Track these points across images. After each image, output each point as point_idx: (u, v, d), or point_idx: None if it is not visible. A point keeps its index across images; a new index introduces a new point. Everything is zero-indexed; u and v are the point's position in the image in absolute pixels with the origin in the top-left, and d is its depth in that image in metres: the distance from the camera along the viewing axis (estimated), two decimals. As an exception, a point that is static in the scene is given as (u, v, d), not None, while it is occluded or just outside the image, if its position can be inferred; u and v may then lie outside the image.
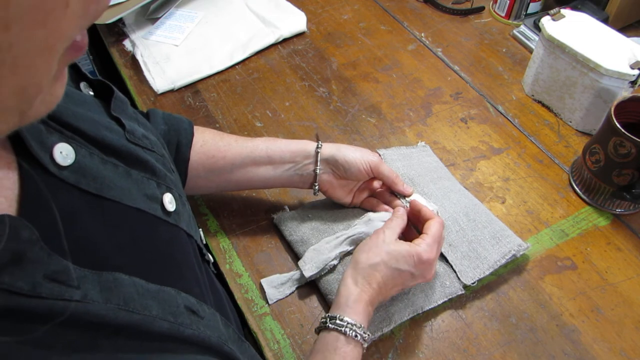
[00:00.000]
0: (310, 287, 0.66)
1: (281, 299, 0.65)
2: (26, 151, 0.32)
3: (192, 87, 0.93)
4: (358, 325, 0.52)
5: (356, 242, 0.65)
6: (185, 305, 0.38)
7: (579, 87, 0.81)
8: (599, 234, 0.71)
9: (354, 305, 0.53)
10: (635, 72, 0.74)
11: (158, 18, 1.03)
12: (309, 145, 0.67)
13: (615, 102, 0.68)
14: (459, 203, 0.71)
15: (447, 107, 0.89)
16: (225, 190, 0.75)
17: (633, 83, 0.75)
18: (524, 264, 0.68)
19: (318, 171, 0.66)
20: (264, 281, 0.66)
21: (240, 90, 0.92)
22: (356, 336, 0.52)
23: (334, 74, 0.95)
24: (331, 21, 1.07)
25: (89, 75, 0.47)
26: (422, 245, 0.57)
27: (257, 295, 0.66)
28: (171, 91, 0.92)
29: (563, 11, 0.84)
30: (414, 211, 0.63)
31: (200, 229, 0.56)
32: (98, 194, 0.37)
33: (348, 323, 0.52)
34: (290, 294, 0.66)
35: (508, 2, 1.03)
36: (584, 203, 0.75)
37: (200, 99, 0.91)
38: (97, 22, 0.97)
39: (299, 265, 0.65)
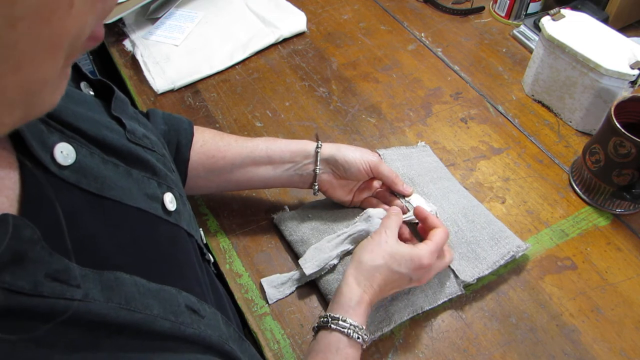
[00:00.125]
0: (310, 287, 0.66)
1: (281, 299, 0.65)
2: (27, 151, 0.32)
3: (192, 87, 0.93)
4: (360, 327, 0.52)
5: (356, 240, 0.65)
6: (186, 304, 0.38)
7: (579, 87, 0.81)
8: (599, 234, 0.71)
9: (356, 307, 0.53)
10: (635, 72, 0.74)
11: (158, 18, 1.03)
12: (309, 145, 0.67)
13: (615, 102, 0.68)
14: (458, 203, 0.71)
15: (447, 107, 0.89)
16: (225, 190, 0.75)
17: (633, 83, 0.75)
18: (524, 264, 0.68)
19: (318, 171, 0.66)
20: (264, 281, 0.66)
21: (240, 90, 0.92)
22: (358, 338, 0.52)
23: (334, 74, 0.96)
24: (331, 21, 1.07)
25: (89, 75, 0.47)
26: (424, 251, 0.57)
27: (257, 295, 0.66)
28: (171, 91, 0.92)
29: (563, 11, 0.84)
30: (420, 218, 0.63)
31: (201, 229, 0.56)
32: (99, 193, 0.37)
33: (351, 325, 0.52)
34: (290, 294, 0.66)
35: (508, 2, 1.03)
36: (584, 203, 0.75)
37: (200, 99, 0.91)
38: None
39: (300, 262, 0.65)
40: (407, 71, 0.96)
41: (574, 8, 0.96)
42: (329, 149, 0.66)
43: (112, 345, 0.31)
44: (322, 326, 0.53)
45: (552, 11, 0.84)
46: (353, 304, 0.53)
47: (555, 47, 0.81)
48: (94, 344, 0.30)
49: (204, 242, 0.58)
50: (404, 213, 0.64)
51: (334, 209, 0.72)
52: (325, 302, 0.65)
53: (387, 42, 1.02)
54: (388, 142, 0.84)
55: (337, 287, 0.56)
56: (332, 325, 0.52)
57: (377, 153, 0.77)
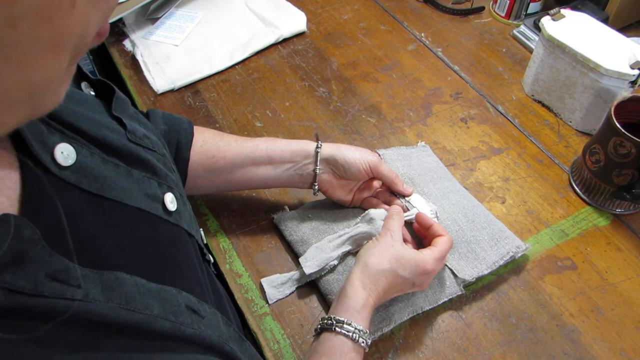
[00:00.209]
0: (310, 287, 0.66)
1: (281, 299, 0.65)
2: (27, 151, 0.32)
3: (192, 87, 0.93)
4: (365, 331, 0.52)
5: (358, 241, 0.65)
6: (187, 304, 0.38)
7: (579, 87, 0.81)
8: (599, 234, 0.71)
9: (362, 311, 0.53)
10: (635, 72, 0.74)
11: (158, 18, 1.03)
12: (309, 145, 0.67)
13: (615, 102, 0.68)
14: (458, 203, 0.71)
15: (447, 107, 0.89)
16: (225, 190, 0.75)
17: (633, 83, 0.75)
18: (524, 264, 0.68)
19: (318, 171, 0.66)
20: (264, 281, 0.66)
21: (240, 90, 0.92)
22: (362, 342, 0.52)
23: (334, 74, 0.96)
24: (331, 21, 1.07)
25: (89, 75, 0.47)
26: (429, 257, 0.57)
27: (257, 295, 0.66)
28: (171, 91, 0.92)
29: (563, 11, 0.84)
30: (424, 226, 0.63)
31: (201, 229, 0.56)
32: (99, 194, 0.37)
33: (356, 329, 0.52)
34: (290, 294, 0.66)
35: (508, 2, 1.03)
36: (584, 203, 0.75)
37: (200, 99, 0.91)
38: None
39: (300, 261, 0.65)
40: (407, 71, 0.96)
41: (574, 8, 0.96)
42: (329, 149, 0.66)
43: (112, 345, 0.31)
44: (325, 328, 0.53)
45: (552, 11, 0.84)
46: (358, 308, 0.53)
47: (555, 47, 0.81)
48: (94, 344, 0.30)
49: (205, 242, 0.58)
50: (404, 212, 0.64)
51: (334, 209, 0.72)
52: (325, 302, 0.65)
53: (387, 42, 1.02)
54: (388, 142, 0.84)
55: (341, 288, 0.56)
56: (337, 329, 0.52)
57: (377, 153, 0.77)
